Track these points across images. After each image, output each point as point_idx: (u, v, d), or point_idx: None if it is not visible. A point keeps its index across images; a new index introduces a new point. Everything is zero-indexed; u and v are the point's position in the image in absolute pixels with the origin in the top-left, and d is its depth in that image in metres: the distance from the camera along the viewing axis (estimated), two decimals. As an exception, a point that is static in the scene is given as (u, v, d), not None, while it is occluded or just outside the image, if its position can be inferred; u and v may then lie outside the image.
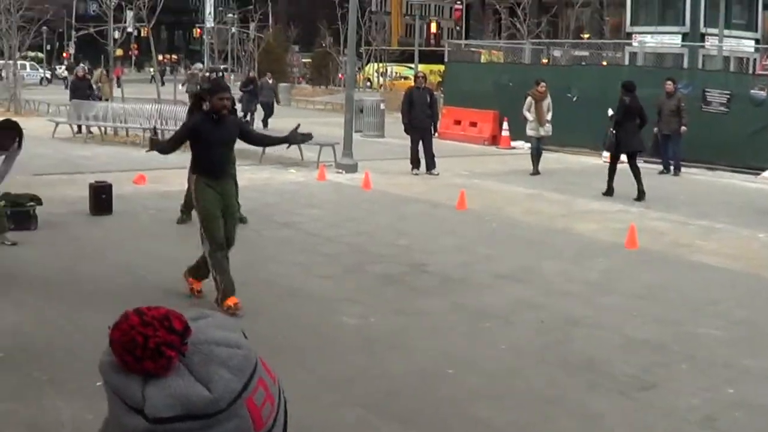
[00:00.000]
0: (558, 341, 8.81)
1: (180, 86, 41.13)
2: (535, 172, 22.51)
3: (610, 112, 20.32)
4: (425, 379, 7.69)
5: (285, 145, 11.19)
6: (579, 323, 9.42)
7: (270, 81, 36.23)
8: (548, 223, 15.73)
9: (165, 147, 9.98)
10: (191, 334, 1.63)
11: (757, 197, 19.94)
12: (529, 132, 23.06)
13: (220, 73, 68.53)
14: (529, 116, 22.84)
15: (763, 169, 23.26)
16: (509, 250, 13.23)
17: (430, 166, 21.43)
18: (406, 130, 21.80)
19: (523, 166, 23.04)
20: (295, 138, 10.26)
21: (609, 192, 19.25)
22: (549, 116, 22.83)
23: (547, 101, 22.96)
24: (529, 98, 23.01)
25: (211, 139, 9.45)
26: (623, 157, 19.27)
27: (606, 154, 25.51)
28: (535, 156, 22.80)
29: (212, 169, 9.63)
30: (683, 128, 22.72)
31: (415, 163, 21.51)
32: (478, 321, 9.43)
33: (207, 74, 58.99)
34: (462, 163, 24.32)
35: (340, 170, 20.90)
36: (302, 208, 16.22)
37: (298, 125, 10.21)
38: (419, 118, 21.39)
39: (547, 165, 24.21)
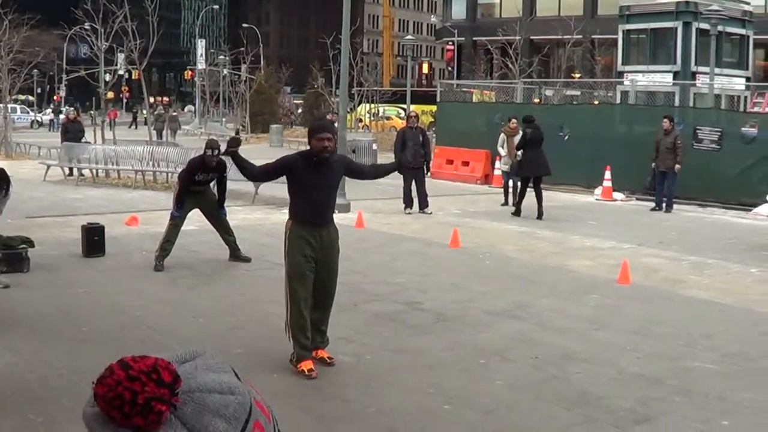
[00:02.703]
0: (554, 377, 8.80)
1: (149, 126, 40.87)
2: (505, 203, 23.58)
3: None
4: (422, 415, 7.68)
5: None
6: (574, 358, 9.42)
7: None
8: (541, 260, 15.75)
9: (254, 170, 9.10)
10: (182, 383, 1.55)
11: (748, 233, 20.02)
12: (503, 167, 24.05)
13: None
14: (502, 152, 23.58)
15: (755, 206, 23.39)
16: (503, 287, 13.24)
17: (423, 205, 21.46)
18: (399, 170, 21.81)
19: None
20: (406, 160, 9.54)
21: (516, 212, 21.56)
22: (521, 152, 23.18)
23: (519, 137, 23.31)
24: (502, 135, 23.71)
25: (307, 184, 8.65)
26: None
27: (598, 191, 25.74)
28: (507, 188, 23.86)
29: (311, 215, 8.77)
30: (677, 166, 22.83)
31: (408, 202, 21.55)
32: (474, 358, 9.41)
33: (174, 114, 59.23)
34: (455, 202, 24.38)
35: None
36: (296, 247, 16.18)
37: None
38: (412, 157, 21.44)
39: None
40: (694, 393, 8.30)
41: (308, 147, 8.80)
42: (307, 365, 8.66)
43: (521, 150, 21.72)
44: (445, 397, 8.06)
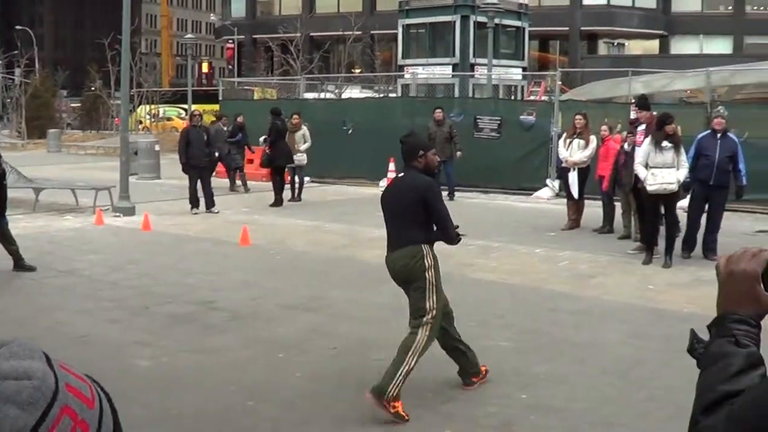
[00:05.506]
0: (354, 365, 8.87)
1: None
2: (293, 198, 23.90)
3: (262, 138, 24.24)
4: (226, 413, 7.60)
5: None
6: (373, 346, 9.50)
7: (225, 128, 28.23)
8: (333, 252, 15.85)
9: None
10: None
11: (530, 216, 20.67)
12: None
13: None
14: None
15: (535, 190, 24.19)
16: (296, 282, 13.26)
17: (210, 204, 21.24)
18: (183, 170, 21.57)
19: (305, 198, 23.43)
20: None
21: (276, 203, 22.62)
22: (303, 147, 24.04)
23: (302, 132, 23.88)
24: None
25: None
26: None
27: (383, 183, 26.11)
28: (294, 183, 24.11)
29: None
30: (458, 153, 23.34)
31: (194, 202, 21.28)
32: (273, 352, 9.40)
33: None
34: (242, 199, 24.28)
35: (118, 214, 20.46)
36: (82, 254, 15.80)
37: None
38: (197, 157, 21.19)
39: (326, 196, 24.54)
40: (491, 370, 8.48)
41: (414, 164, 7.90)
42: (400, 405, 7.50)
43: (271, 141, 23.18)
44: (247, 394, 8.02)
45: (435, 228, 7.91)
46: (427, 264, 7.74)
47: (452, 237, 7.92)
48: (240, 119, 26.64)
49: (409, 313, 7.86)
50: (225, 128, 27.10)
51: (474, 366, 8.18)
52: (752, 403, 1.80)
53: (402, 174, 8.15)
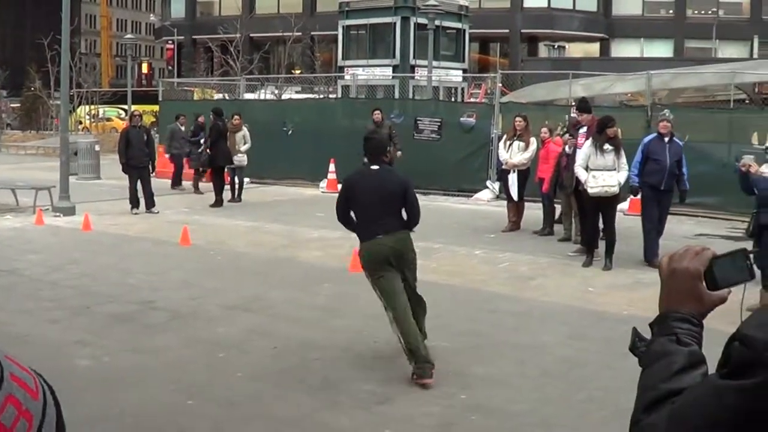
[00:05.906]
0: (294, 365, 8.88)
1: None
2: (234, 198, 23.95)
3: (203, 139, 24.66)
4: (166, 413, 7.59)
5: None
6: (313, 346, 9.54)
7: (182, 127, 27.87)
8: (272, 253, 15.83)
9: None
10: None
11: (470, 218, 20.77)
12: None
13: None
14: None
15: (475, 191, 24.30)
16: (236, 282, 13.22)
17: (150, 204, 21.11)
18: (124, 170, 21.40)
19: (245, 199, 23.39)
20: None
21: (217, 204, 22.68)
22: (244, 148, 24.08)
23: (242, 133, 23.98)
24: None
25: None
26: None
27: (323, 184, 26.12)
28: (233, 184, 24.15)
29: None
30: (399, 153, 23.33)
31: (134, 202, 21.14)
32: (213, 352, 9.38)
33: None
34: (182, 200, 24.15)
35: (58, 214, 20.29)
36: (22, 254, 15.63)
37: None
38: (137, 157, 21.05)
39: (266, 197, 24.48)
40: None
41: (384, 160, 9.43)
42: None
43: (211, 141, 23.25)
44: (187, 393, 8.00)
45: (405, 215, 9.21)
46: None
47: (416, 224, 9.35)
48: (201, 119, 26.42)
49: (410, 288, 9.28)
50: (182, 128, 27.08)
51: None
52: (693, 401, 1.83)
53: (376, 168, 9.12)
